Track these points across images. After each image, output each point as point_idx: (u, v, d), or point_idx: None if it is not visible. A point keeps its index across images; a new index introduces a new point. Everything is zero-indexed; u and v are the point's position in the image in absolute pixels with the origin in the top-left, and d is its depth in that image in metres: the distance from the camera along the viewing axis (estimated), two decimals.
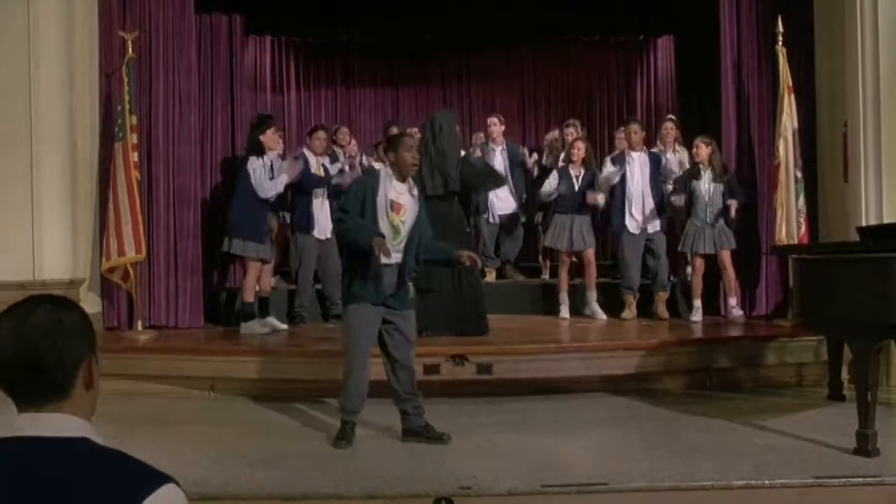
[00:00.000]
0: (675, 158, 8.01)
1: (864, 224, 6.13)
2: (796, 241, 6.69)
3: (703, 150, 7.16)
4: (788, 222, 6.73)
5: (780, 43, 6.85)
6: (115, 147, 6.71)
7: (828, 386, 5.68)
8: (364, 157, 8.97)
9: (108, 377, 6.12)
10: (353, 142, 8.73)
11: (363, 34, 10.78)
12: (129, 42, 6.80)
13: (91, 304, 7.00)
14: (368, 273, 4.49)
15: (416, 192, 4.68)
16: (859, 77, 6.25)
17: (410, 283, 4.67)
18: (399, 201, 4.57)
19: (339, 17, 9.92)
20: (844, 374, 5.69)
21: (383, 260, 4.42)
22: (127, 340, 6.62)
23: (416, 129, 9.41)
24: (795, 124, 6.77)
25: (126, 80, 6.70)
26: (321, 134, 7.75)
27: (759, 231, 7.31)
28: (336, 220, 4.76)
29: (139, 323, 6.84)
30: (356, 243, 4.49)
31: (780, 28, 6.84)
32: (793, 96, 6.78)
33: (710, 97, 8.23)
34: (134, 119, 6.75)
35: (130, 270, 6.75)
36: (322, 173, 7.54)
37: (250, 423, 5.35)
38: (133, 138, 6.71)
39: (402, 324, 4.65)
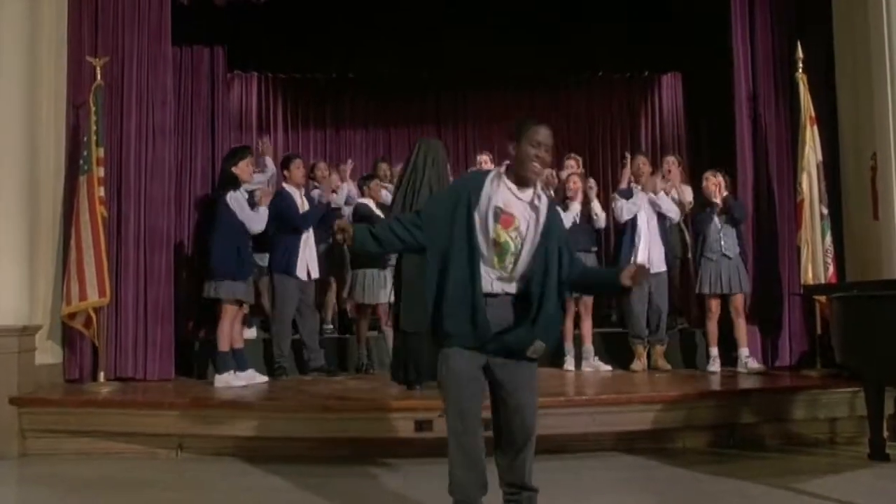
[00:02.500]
0: (685, 193, 7.65)
1: None
2: (824, 283, 6.27)
3: (712, 181, 6.86)
4: (815, 263, 6.33)
5: (801, 70, 6.52)
6: (79, 181, 6.28)
7: (868, 444, 5.16)
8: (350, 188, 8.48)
9: (65, 434, 5.69)
10: (335, 176, 8.27)
11: (355, 71, 10.52)
12: (98, 68, 6.44)
13: (50, 353, 6.50)
14: (461, 303, 3.23)
15: (543, 201, 3.34)
16: (889, 105, 5.90)
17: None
18: (509, 210, 3.28)
19: (330, 53, 9.68)
20: (885, 430, 5.20)
21: (486, 288, 3.25)
22: (86, 394, 6.10)
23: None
24: (820, 157, 6.41)
25: (93, 108, 6.32)
26: (299, 162, 7.32)
27: (780, 273, 6.88)
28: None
29: (101, 374, 6.33)
30: (362, 248, 3.45)
31: (801, 54, 6.53)
32: (815, 127, 6.42)
33: (720, 133, 7.93)
34: (101, 151, 6.34)
35: (93, 316, 6.27)
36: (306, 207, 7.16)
37: (223, 489, 4.84)
38: (99, 172, 6.30)
39: (509, 378, 3.31)
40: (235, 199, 6.56)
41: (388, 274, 6.91)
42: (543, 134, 3.27)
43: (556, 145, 11.16)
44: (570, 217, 6.92)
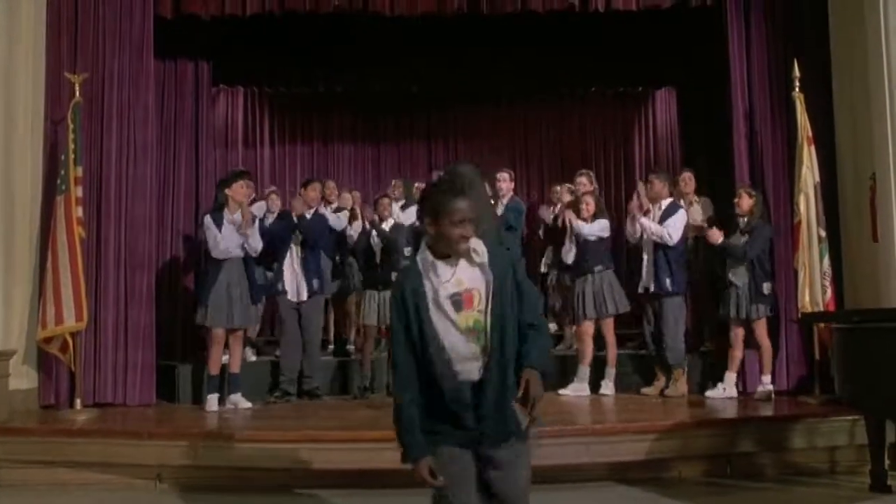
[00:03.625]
0: (696, 211, 7.44)
1: None
2: (821, 307, 6.20)
3: (746, 200, 6.55)
4: (812, 286, 6.25)
5: (797, 89, 6.46)
6: (56, 201, 6.16)
7: (870, 475, 5.06)
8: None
9: (39, 465, 5.53)
10: (346, 195, 8.21)
11: (343, 85, 10.43)
12: (77, 85, 6.35)
13: (25, 378, 6.39)
14: (440, 400, 2.90)
15: (481, 253, 2.94)
16: (888, 126, 5.86)
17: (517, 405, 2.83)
18: (465, 287, 2.90)
19: (317, 67, 9.61)
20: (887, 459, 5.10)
21: (461, 375, 2.87)
22: (62, 421, 5.95)
23: (398, 182, 8.99)
24: (818, 178, 6.35)
25: (71, 126, 6.22)
26: (317, 185, 7.35)
27: (777, 296, 6.79)
28: (394, 384, 3.04)
29: (78, 401, 6.18)
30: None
31: (797, 73, 6.47)
32: (813, 147, 6.36)
33: (716, 149, 7.84)
34: (79, 170, 6.24)
35: (69, 341, 6.14)
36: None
37: None
38: (77, 191, 6.20)
39: (498, 473, 2.91)
40: (206, 221, 6.48)
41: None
42: (462, 209, 2.88)
43: (549, 166, 11.01)
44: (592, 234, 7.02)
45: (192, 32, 7.60)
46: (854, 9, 6.40)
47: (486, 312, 2.88)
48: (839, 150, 6.77)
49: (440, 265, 2.92)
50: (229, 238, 6.46)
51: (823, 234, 6.31)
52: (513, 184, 8.01)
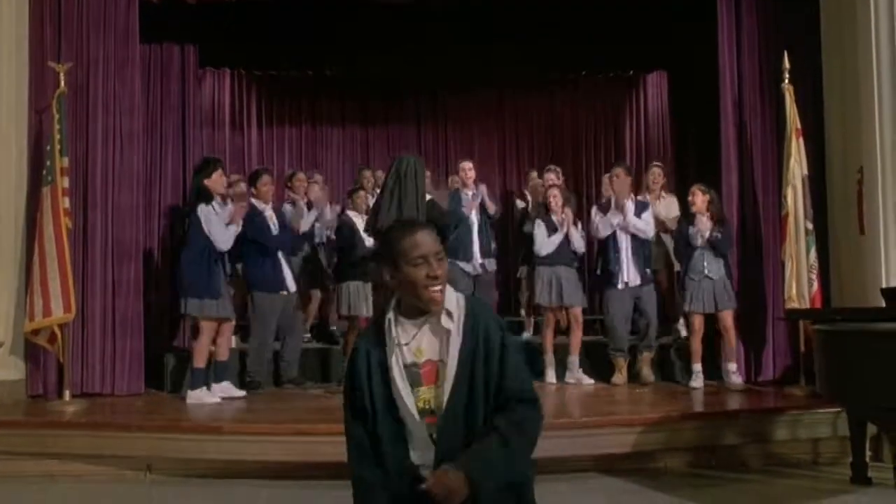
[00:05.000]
0: (664, 205, 7.73)
1: (884, 282, 5.79)
2: (807, 299, 6.33)
3: (700, 197, 6.81)
4: (799, 278, 6.37)
5: (787, 81, 6.55)
6: (42, 192, 6.21)
7: (850, 467, 5.22)
8: (329, 208, 8.48)
9: (27, 456, 5.60)
10: (316, 188, 8.24)
11: (332, 69, 10.45)
12: (62, 74, 6.37)
13: (13, 369, 6.47)
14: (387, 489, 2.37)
15: (455, 316, 2.35)
16: (876, 120, 5.97)
17: None
18: (425, 358, 2.35)
19: (307, 51, 9.62)
20: (868, 452, 5.26)
21: (418, 461, 2.37)
22: (51, 413, 6.04)
23: (381, 172, 9.05)
24: (805, 171, 6.45)
25: (57, 116, 6.25)
26: (267, 178, 7.19)
27: (764, 287, 6.93)
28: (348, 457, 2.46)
29: (67, 392, 6.27)
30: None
31: (787, 65, 6.55)
32: (801, 140, 6.46)
33: (707, 137, 7.94)
34: (65, 161, 6.28)
35: (57, 332, 6.22)
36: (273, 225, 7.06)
37: None
38: (64, 182, 6.24)
39: None
40: (204, 213, 6.49)
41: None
42: (423, 242, 2.30)
43: (539, 150, 11.13)
44: (554, 241, 7.16)
45: (178, 16, 7.60)
46: (845, 1, 6.46)
47: (446, 393, 2.30)
48: (828, 142, 6.87)
49: (404, 323, 2.37)
50: (227, 231, 6.55)
51: (811, 226, 6.42)
52: (473, 173, 8.08)
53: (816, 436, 5.79)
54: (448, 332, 2.33)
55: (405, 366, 2.33)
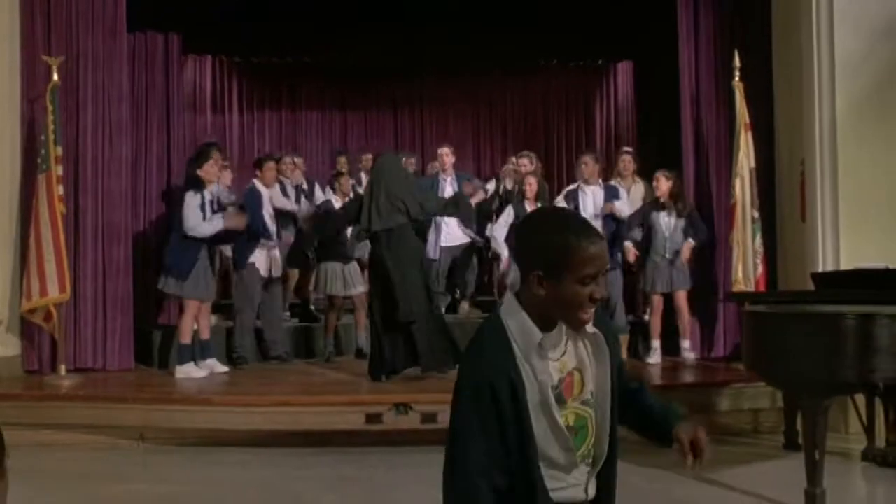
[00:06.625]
0: (637, 191, 8.14)
1: (821, 266, 6.35)
2: (753, 282, 6.87)
3: (664, 183, 7.26)
4: (745, 263, 6.91)
5: (737, 78, 7.05)
6: (37, 179, 6.66)
7: (783, 434, 5.85)
8: (315, 188, 8.96)
9: (26, 427, 6.04)
10: (297, 172, 8.75)
11: (311, 56, 10.85)
12: (54, 67, 6.75)
13: (9, 346, 6.93)
14: None
15: (598, 334, 1.97)
16: (816, 114, 6.47)
17: None
18: (568, 369, 1.94)
19: (286, 38, 9.98)
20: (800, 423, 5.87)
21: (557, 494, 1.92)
22: (48, 386, 6.54)
23: (369, 156, 9.52)
24: (753, 163, 6.97)
25: (50, 108, 6.65)
26: (271, 164, 7.82)
27: (716, 270, 7.50)
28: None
29: (62, 367, 6.76)
30: None
31: (738, 63, 7.04)
32: (750, 134, 6.99)
33: (669, 125, 8.36)
34: (59, 150, 6.70)
35: (53, 311, 6.68)
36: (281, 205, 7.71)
37: (185, 480, 5.31)
38: (58, 170, 6.67)
39: None
40: (187, 199, 6.89)
41: (353, 268, 7.66)
42: (599, 257, 1.87)
43: (512, 136, 11.49)
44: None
45: (161, 5, 8.00)
46: (793, 7, 6.96)
47: (592, 404, 1.97)
48: (777, 136, 7.41)
49: (547, 339, 1.92)
50: (203, 224, 6.91)
51: (756, 215, 6.95)
52: (453, 158, 8.57)
53: (757, 407, 6.39)
54: (591, 335, 1.96)
55: (551, 384, 1.90)
